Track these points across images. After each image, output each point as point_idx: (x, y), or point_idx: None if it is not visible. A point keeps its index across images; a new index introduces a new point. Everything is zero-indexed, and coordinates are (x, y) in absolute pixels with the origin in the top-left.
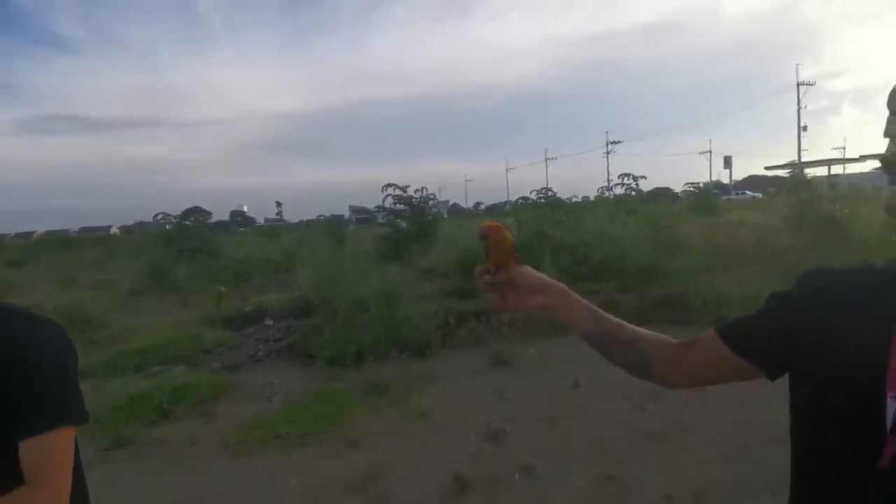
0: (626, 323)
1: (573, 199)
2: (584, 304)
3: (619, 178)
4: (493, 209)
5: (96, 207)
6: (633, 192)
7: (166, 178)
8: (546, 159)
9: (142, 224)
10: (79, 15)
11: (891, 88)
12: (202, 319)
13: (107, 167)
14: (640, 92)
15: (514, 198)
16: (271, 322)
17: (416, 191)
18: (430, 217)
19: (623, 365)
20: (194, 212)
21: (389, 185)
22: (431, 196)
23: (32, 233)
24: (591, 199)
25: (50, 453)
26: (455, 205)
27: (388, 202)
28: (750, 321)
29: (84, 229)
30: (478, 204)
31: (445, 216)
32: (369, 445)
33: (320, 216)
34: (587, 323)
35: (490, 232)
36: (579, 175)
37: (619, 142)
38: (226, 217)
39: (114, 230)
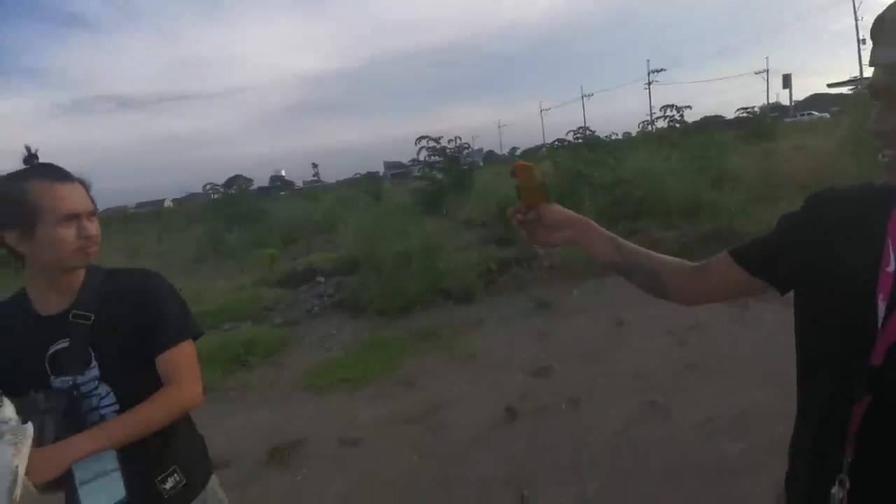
0: (646, 251)
1: (613, 137)
2: (607, 235)
3: (660, 110)
4: (529, 154)
5: (148, 183)
6: (678, 125)
7: (206, 149)
8: (582, 97)
9: (192, 195)
10: None
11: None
12: (259, 281)
13: (152, 143)
14: (682, 13)
15: (550, 140)
16: (322, 279)
17: (449, 141)
18: (465, 167)
19: (643, 286)
20: (237, 180)
21: (422, 138)
22: (465, 146)
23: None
24: (633, 135)
25: (183, 359)
26: (490, 152)
27: (423, 155)
28: (761, 241)
29: (140, 204)
30: (513, 150)
31: (481, 164)
32: (422, 385)
33: (356, 174)
34: (610, 252)
35: (519, 172)
36: (619, 111)
37: (661, 70)
38: (266, 183)
39: (167, 203)
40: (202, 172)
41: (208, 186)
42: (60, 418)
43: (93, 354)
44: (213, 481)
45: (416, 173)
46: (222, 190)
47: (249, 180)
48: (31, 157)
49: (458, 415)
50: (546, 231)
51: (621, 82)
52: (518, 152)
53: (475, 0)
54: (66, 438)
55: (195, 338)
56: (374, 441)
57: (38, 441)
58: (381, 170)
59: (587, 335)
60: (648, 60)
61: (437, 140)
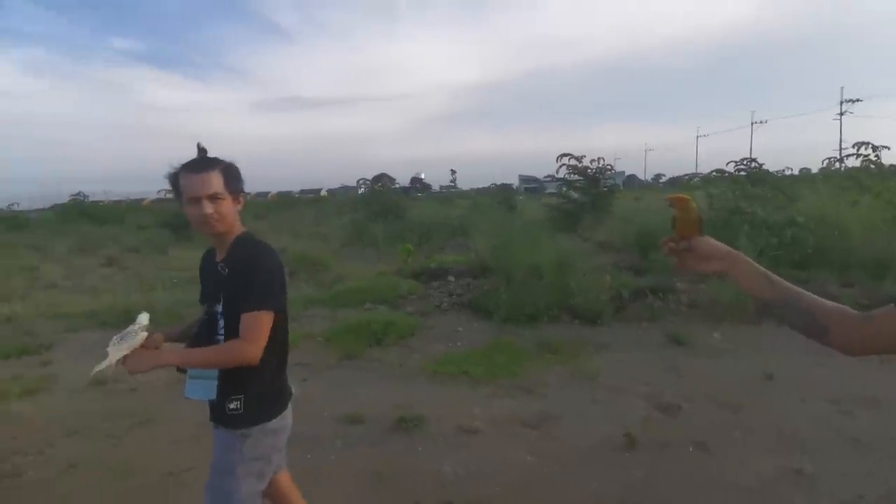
0: (803, 290)
1: (786, 172)
2: (760, 269)
3: (853, 147)
4: (677, 182)
5: (312, 172)
6: (872, 165)
7: (361, 147)
8: (752, 123)
9: (345, 187)
10: (291, 3)
11: None
12: (396, 271)
13: (317, 139)
14: (883, 38)
15: (703, 170)
16: (453, 279)
17: (591, 161)
18: (605, 189)
19: (799, 328)
20: (382, 178)
21: (564, 155)
22: (608, 167)
23: (267, 193)
24: (813, 171)
25: (253, 323)
26: (632, 176)
27: (562, 172)
28: None
29: (303, 191)
30: (658, 176)
31: (620, 188)
32: (541, 393)
33: (492, 184)
34: (762, 286)
35: (678, 203)
36: (795, 143)
37: (857, 100)
38: (406, 183)
39: (323, 192)
40: (355, 168)
41: (361, 181)
42: (201, 328)
43: (221, 296)
44: (260, 429)
45: (552, 190)
46: (368, 185)
47: (393, 179)
48: (200, 151)
49: (575, 428)
50: (697, 260)
51: (802, 111)
52: (663, 179)
53: (642, 13)
54: (164, 349)
55: (275, 311)
56: (490, 434)
57: (186, 336)
58: (516, 182)
59: (725, 381)
60: (842, 88)
61: (578, 159)
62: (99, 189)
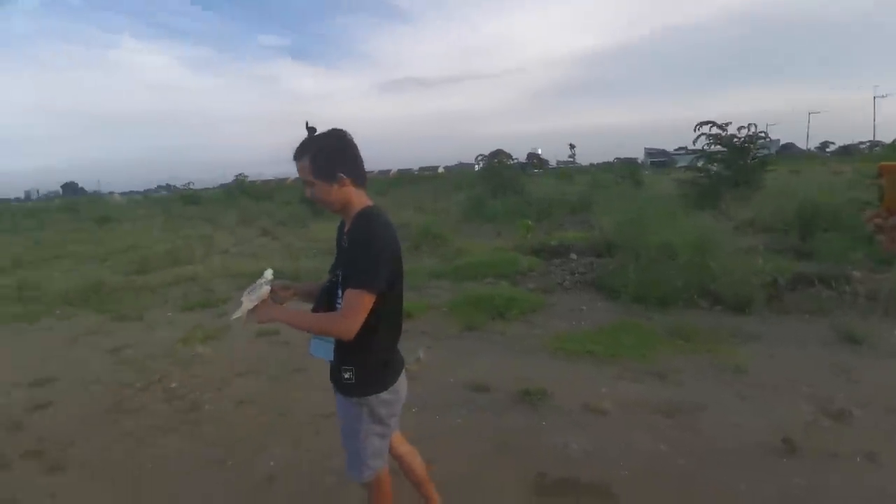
0: None
1: None
2: None
3: None
4: (850, 150)
5: (429, 150)
6: None
7: (477, 124)
8: None
9: (461, 164)
10: None
11: None
12: (515, 247)
13: (435, 118)
14: None
15: (883, 137)
16: (575, 256)
17: (739, 128)
18: (753, 160)
19: None
20: (498, 154)
21: (705, 123)
22: (761, 135)
23: (389, 171)
24: None
25: (351, 301)
26: (788, 145)
27: (701, 143)
28: None
29: (422, 168)
30: (825, 144)
31: (774, 158)
32: (675, 381)
33: (615, 159)
34: None
35: (886, 172)
36: None
37: None
38: (522, 159)
39: (441, 169)
40: (471, 145)
41: (479, 157)
42: (322, 294)
43: (340, 266)
44: (374, 398)
45: (684, 163)
46: (485, 161)
47: (509, 155)
48: (308, 131)
49: (717, 423)
50: None
51: None
52: (831, 148)
53: None
54: (286, 306)
55: (373, 291)
56: (618, 416)
57: (311, 298)
58: (641, 156)
59: None
60: None
61: (722, 127)
62: (256, 170)
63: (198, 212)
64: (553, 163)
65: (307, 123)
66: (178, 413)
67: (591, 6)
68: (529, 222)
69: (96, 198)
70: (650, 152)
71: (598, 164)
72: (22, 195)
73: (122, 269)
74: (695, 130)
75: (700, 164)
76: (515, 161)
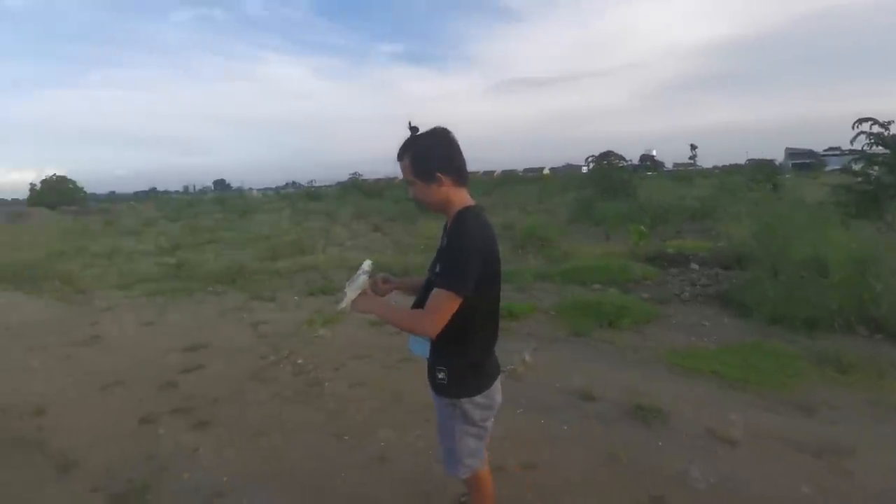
0: None
1: None
2: None
3: None
4: None
5: (534, 151)
6: None
7: (586, 124)
8: None
9: (569, 166)
10: None
11: None
12: (626, 254)
13: (541, 118)
14: None
15: None
16: (696, 266)
17: None
18: None
19: None
20: (608, 155)
21: (865, 120)
22: None
23: (493, 171)
24: None
25: (435, 301)
26: None
27: (860, 142)
28: None
29: (526, 170)
30: None
31: None
32: (825, 418)
33: (747, 160)
34: None
35: None
36: None
37: None
38: (635, 160)
39: (546, 170)
40: (579, 146)
41: (589, 159)
42: (422, 290)
43: (438, 263)
44: (468, 401)
45: (838, 165)
46: (594, 163)
47: (620, 156)
48: (411, 130)
49: (875, 468)
50: None
51: None
52: None
53: None
54: (384, 299)
55: (457, 293)
56: (751, 449)
57: (414, 292)
58: (781, 157)
59: None
60: None
61: (884, 125)
62: (369, 169)
63: (318, 207)
64: (669, 165)
65: (410, 123)
66: (303, 387)
67: None
68: (643, 228)
69: (239, 193)
70: (793, 153)
71: (724, 166)
72: (181, 188)
73: (258, 255)
74: (853, 128)
75: (858, 167)
76: (628, 163)
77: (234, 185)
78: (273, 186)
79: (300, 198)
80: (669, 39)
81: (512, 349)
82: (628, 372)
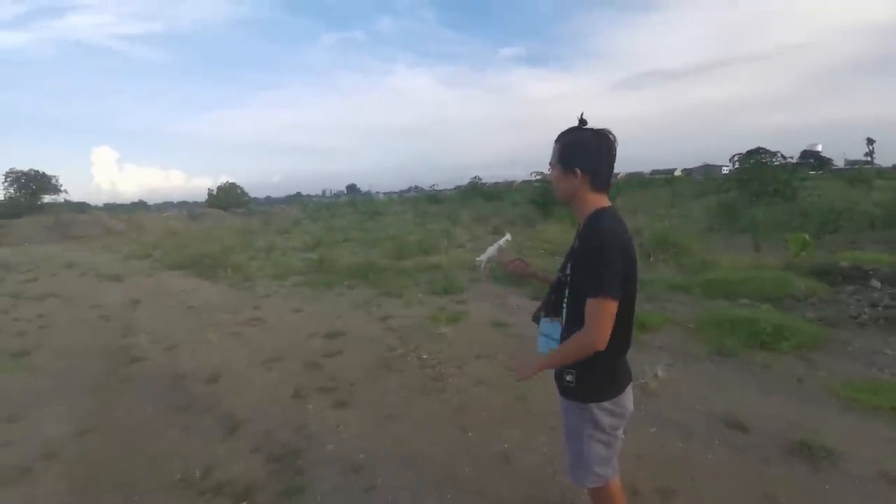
0: None
1: None
2: None
3: None
4: None
5: (664, 151)
6: None
7: (730, 119)
8: None
9: (707, 166)
10: None
11: None
12: (783, 265)
13: (673, 115)
14: None
15: None
16: (878, 284)
17: None
18: None
19: None
20: (757, 153)
21: None
22: None
23: (617, 174)
24: None
25: (592, 310)
26: None
27: None
28: None
29: (654, 171)
30: None
31: None
32: None
33: None
34: None
35: None
36: None
37: None
38: (795, 157)
39: (678, 172)
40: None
41: (735, 157)
42: (552, 290)
43: (570, 264)
44: (596, 406)
45: None
46: (738, 164)
47: (773, 153)
48: (580, 122)
49: None
50: None
51: None
52: None
53: None
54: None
55: (609, 298)
56: None
57: (549, 281)
58: None
59: None
60: None
61: None
62: (489, 172)
63: (439, 210)
64: (840, 162)
65: (581, 115)
66: (428, 380)
67: None
68: (806, 237)
69: (369, 197)
70: None
71: None
72: (320, 192)
73: (386, 254)
74: None
75: None
76: (786, 160)
77: (364, 189)
78: (397, 190)
79: (422, 201)
80: (838, 14)
81: (642, 361)
82: (789, 402)
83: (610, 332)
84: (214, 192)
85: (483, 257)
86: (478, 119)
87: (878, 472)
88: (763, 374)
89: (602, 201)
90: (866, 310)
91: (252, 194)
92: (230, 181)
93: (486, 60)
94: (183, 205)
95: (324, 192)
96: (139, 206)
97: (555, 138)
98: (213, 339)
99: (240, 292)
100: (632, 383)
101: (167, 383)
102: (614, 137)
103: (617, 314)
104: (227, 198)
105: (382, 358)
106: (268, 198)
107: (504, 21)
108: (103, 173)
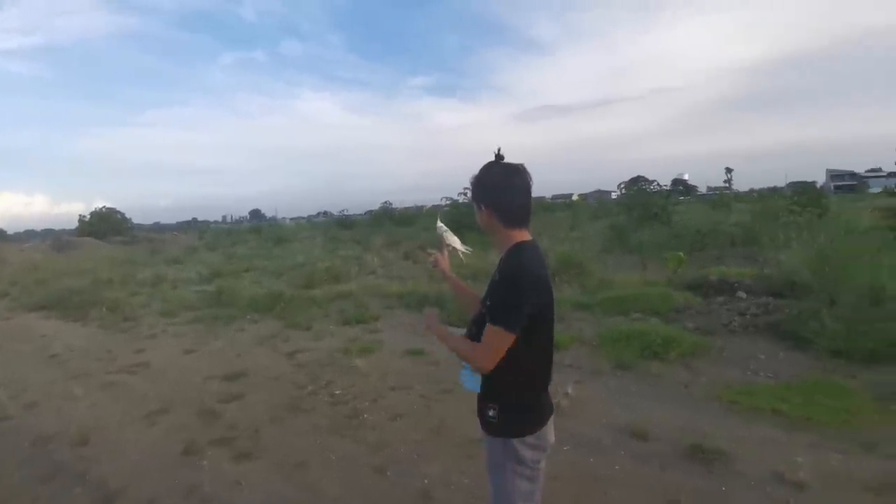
0: None
1: None
2: None
3: None
4: None
5: (562, 178)
6: None
7: (615, 150)
8: None
9: (599, 192)
10: (550, 16)
11: None
12: (664, 282)
13: (569, 144)
14: None
15: None
16: (744, 295)
17: None
18: None
19: None
20: (638, 181)
21: None
22: None
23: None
24: None
25: (488, 337)
26: None
27: None
28: None
29: (555, 196)
30: None
31: None
32: (887, 454)
33: (788, 183)
34: None
35: None
36: None
37: None
38: (667, 185)
39: (575, 197)
40: (608, 172)
41: (621, 185)
42: (473, 322)
43: (489, 298)
44: (519, 442)
45: (879, 188)
46: (624, 191)
47: (651, 181)
48: (496, 157)
49: None
50: None
51: None
52: None
53: None
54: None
55: (509, 330)
56: (821, 492)
57: (468, 303)
58: (822, 179)
59: None
60: None
61: None
62: (399, 197)
63: (350, 235)
64: (703, 189)
65: (498, 150)
66: (342, 418)
67: (754, 14)
68: (681, 255)
69: (274, 222)
70: (834, 174)
71: (761, 189)
72: (220, 218)
73: (294, 283)
74: None
75: None
76: (660, 187)
77: (269, 214)
78: (305, 215)
79: (332, 226)
80: (700, 62)
81: (554, 382)
82: (681, 409)
83: (496, 361)
84: (87, 219)
85: (457, 240)
86: (388, 145)
87: (772, 473)
88: (656, 384)
89: (521, 235)
90: (736, 318)
91: (137, 220)
92: (107, 206)
93: (395, 88)
94: (48, 233)
95: (224, 217)
96: None
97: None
98: (81, 392)
99: (116, 334)
100: (553, 415)
101: (29, 447)
102: (527, 173)
103: (538, 347)
104: (104, 224)
105: (290, 397)
106: (156, 224)
107: (412, 51)
108: None
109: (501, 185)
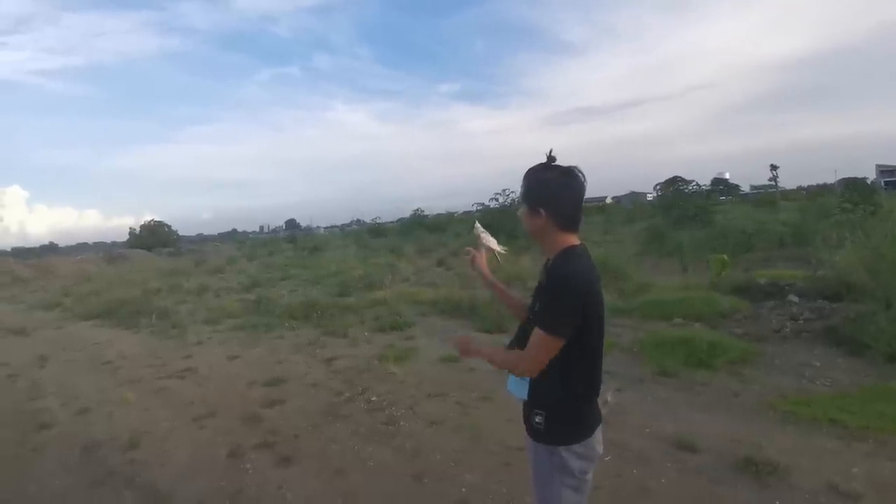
0: None
1: None
2: None
3: None
4: None
5: (594, 180)
6: None
7: (650, 150)
8: None
9: (633, 194)
10: (579, 18)
11: None
12: (708, 285)
13: (600, 147)
14: None
15: None
16: (796, 299)
17: None
18: None
19: None
20: (675, 181)
21: None
22: None
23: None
24: None
25: (534, 342)
26: None
27: None
28: None
29: (588, 199)
30: None
31: None
32: None
33: (838, 180)
34: None
35: None
36: None
37: None
38: (707, 184)
39: (608, 199)
40: (644, 173)
41: (657, 186)
42: (521, 328)
43: (536, 303)
44: (565, 450)
45: None
46: (660, 192)
47: (689, 182)
48: (549, 159)
49: None
50: None
51: None
52: None
53: None
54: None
55: (552, 335)
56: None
57: (517, 309)
58: (872, 175)
59: None
60: None
61: None
62: (430, 204)
63: (383, 243)
64: (746, 187)
65: (550, 151)
66: (378, 425)
67: (792, 6)
68: (725, 258)
69: (308, 231)
70: (884, 170)
71: (810, 186)
72: (257, 228)
73: (329, 291)
74: None
75: None
76: (699, 187)
77: (303, 223)
78: (339, 224)
79: (364, 234)
80: (736, 57)
81: None
82: (731, 419)
83: (542, 367)
84: (137, 231)
85: (494, 241)
86: (418, 152)
87: (827, 484)
88: (703, 392)
89: (571, 240)
90: (788, 324)
91: (182, 232)
92: (155, 219)
93: (424, 97)
94: (100, 246)
95: (261, 227)
96: (48, 249)
97: (523, 174)
98: (133, 398)
99: (166, 341)
100: (601, 425)
101: (80, 453)
102: (583, 176)
103: (587, 353)
104: (153, 237)
105: (328, 404)
106: (199, 235)
107: (439, 60)
108: (12, 215)
109: (559, 187)
